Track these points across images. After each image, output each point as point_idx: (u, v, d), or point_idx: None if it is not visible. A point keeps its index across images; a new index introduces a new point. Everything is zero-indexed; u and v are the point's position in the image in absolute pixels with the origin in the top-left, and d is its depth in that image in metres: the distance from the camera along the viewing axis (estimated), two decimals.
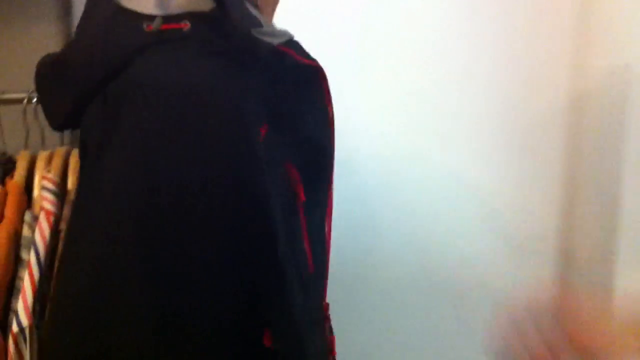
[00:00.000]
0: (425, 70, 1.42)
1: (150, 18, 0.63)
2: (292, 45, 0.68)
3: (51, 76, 0.68)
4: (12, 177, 0.91)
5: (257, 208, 0.63)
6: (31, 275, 0.81)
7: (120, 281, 0.61)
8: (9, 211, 0.87)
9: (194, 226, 0.60)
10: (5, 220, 0.86)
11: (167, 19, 0.63)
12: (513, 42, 1.44)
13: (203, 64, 0.61)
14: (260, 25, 0.62)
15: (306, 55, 0.72)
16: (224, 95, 0.60)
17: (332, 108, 0.78)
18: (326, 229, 0.84)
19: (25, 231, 0.86)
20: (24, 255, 0.84)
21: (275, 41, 0.63)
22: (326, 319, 0.88)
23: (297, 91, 0.72)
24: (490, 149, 1.45)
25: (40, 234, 0.83)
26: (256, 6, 0.68)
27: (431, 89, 1.43)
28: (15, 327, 0.76)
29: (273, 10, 0.77)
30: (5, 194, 0.88)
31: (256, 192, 0.63)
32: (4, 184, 0.90)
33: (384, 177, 1.49)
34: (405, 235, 1.51)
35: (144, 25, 0.62)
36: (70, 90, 0.67)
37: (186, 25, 0.62)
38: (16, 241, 0.85)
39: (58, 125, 0.73)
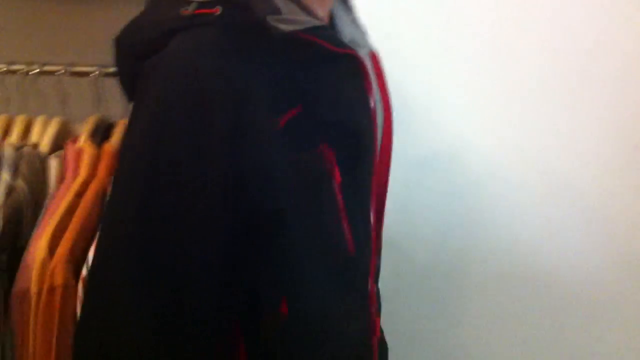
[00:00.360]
0: (530, 66, 1.36)
1: (189, 3, 0.69)
2: (320, 33, 0.70)
3: (116, 52, 0.77)
4: (109, 141, 1.03)
5: (253, 189, 0.66)
6: None
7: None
8: (101, 171, 0.99)
9: (189, 210, 0.64)
10: (96, 179, 0.98)
11: (202, 4, 0.68)
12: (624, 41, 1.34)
13: (220, 47, 0.65)
14: (278, 12, 0.65)
15: (340, 43, 0.74)
16: (228, 78, 0.64)
17: (373, 96, 0.79)
18: (372, 215, 0.85)
19: None
20: None
21: (296, 28, 0.66)
22: (370, 300, 0.89)
23: (329, 77, 0.74)
24: (599, 148, 1.36)
25: None
26: None
27: (540, 85, 1.37)
28: (84, 272, 0.87)
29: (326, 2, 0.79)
30: (100, 156, 1.00)
31: (255, 171, 0.66)
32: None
33: (480, 176, 1.46)
34: (499, 237, 1.47)
35: (181, 10, 0.68)
36: (125, 67, 0.75)
37: (217, 10, 0.67)
38: (103, 198, 0.96)
39: (128, 98, 0.81)
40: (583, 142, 1.36)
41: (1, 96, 1.06)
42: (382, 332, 0.96)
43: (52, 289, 0.85)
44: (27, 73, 1.04)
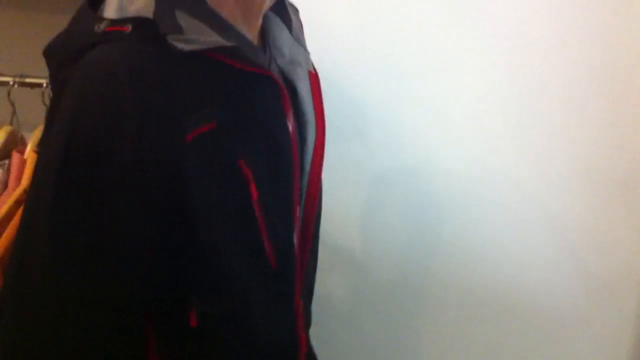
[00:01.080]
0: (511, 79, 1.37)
1: (102, 20, 0.71)
2: (231, 53, 0.72)
3: (46, 63, 0.79)
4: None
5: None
6: None
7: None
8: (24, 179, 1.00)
9: (95, 209, 0.67)
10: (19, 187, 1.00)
11: (113, 22, 0.71)
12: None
13: (129, 61, 0.67)
14: (180, 32, 0.68)
15: (255, 64, 0.76)
16: (133, 90, 0.66)
17: (290, 115, 0.81)
18: (295, 228, 0.87)
19: None
20: None
21: (196, 47, 0.69)
22: (297, 315, 0.90)
23: (245, 96, 0.76)
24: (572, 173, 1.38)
25: None
26: (210, 15, 0.73)
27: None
28: None
29: (250, 19, 0.82)
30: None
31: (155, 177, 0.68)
32: None
33: (440, 193, 1.47)
34: (461, 254, 1.48)
35: (96, 26, 0.71)
36: (51, 77, 0.77)
37: (127, 29, 0.70)
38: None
39: None
40: (551, 160, 1.38)
41: None
42: (310, 347, 0.98)
43: None
44: None
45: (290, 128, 0.82)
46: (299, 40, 0.95)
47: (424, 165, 1.47)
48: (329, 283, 1.54)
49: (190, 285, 0.75)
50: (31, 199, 0.72)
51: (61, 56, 0.72)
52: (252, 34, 0.83)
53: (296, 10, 0.99)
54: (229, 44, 0.71)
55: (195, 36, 0.68)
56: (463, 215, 1.47)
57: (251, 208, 0.78)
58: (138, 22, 0.70)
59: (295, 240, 0.87)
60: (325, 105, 1.25)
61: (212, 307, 0.77)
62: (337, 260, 1.53)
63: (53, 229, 0.68)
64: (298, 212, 0.88)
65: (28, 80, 1.06)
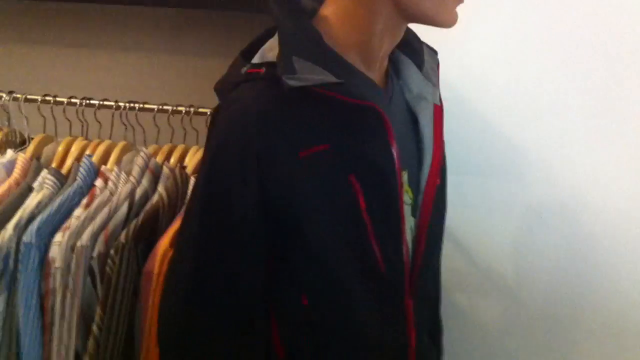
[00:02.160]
0: None
1: (246, 65, 0.94)
2: (337, 88, 0.90)
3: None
4: None
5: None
6: None
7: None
8: None
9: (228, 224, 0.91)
10: None
11: (253, 65, 0.93)
12: None
13: (260, 96, 0.89)
14: (293, 72, 0.87)
15: (361, 97, 0.93)
16: (261, 118, 0.87)
17: (392, 138, 0.96)
18: (403, 237, 1.01)
19: None
20: None
21: (303, 84, 0.87)
22: (406, 313, 1.04)
23: (353, 123, 0.93)
24: None
25: None
26: (324, 56, 0.92)
27: None
28: None
29: (370, 62, 0.99)
30: None
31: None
32: None
33: (593, 228, 1.49)
34: (613, 288, 1.49)
35: (241, 69, 0.94)
36: None
37: (262, 70, 0.92)
38: None
39: None
40: None
41: (167, 129, 1.41)
42: (422, 343, 1.10)
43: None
44: (187, 113, 1.38)
45: (395, 153, 0.96)
46: (429, 77, 1.10)
47: (578, 199, 1.51)
48: (481, 307, 1.63)
49: (302, 279, 0.94)
50: (187, 208, 0.98)
51: (222, 90, 0.97)
52: (374, 74, 1.00)
53: (434, 53, 1.15)
54: (333, 80, 0.89)
55: (305, 75, 0.88)
56: (616, 249, 1.49)
57: (361, 217, 0.95)
58: (269, 65, 0.91)
59: (404, 247, 1.01)
60: (485, 140, 1.39)
61: (320, 299, 0.95)
62: (490, 285, 1.62)
63: (198, 228, 0.93)
64: (406, 224, 1.02)
65: (201, 109, 1.35)
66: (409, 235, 1.04)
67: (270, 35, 0.97)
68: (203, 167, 0.93)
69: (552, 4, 1.43)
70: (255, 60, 0.94)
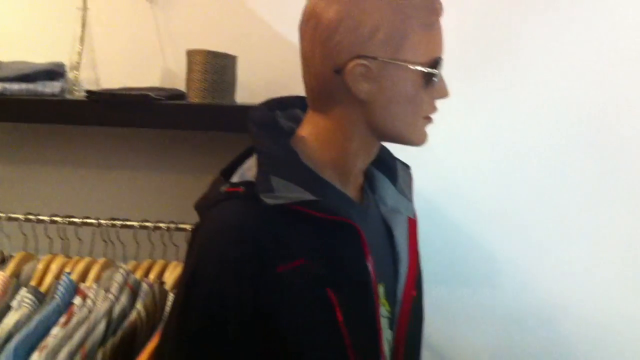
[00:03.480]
0: None
1: (225, 184, 0.98)
2: (314, 205, 0.94)
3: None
4: None
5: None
6: None
7: None
8: None
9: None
10: None
11: (232, 184, 0.97)
12: None
13: (239, 213, 0.93)
14: (271, 191, 0.91)
15: (335, 212, 0.96)
16: (240, 234, 0.90)
17: (368, 252, 0.99)
18: (381, 347, 1.02)
19: None
20: None
21: (279, 202, 0.91)
22: None
23: (329, 238, 0.96)
24: None
25: None
26: (302, 175, 0.96)
27: None
28: None
29: (345, 178, 1.04)
30: None
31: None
32: None
33: None
34: None
35: (221, 188, 0.98)
36: None
37: (241, 189, 0.96)
38: None
39: None
40: None
41: (147, 245, 1.43)
42: None
43: None
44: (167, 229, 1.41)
45: (370, 266, 0.98)
46: (403, 192, 1.15)
47: (555, 304, 1.54)
48: None
49: None
50: (166, 323, 0.99)
51: (201, 208, 1.00)
52: (349, 189, 1.04)
53: (407, 167, 1.20)
54: (310, 198, 0.93)
55: (282, 194, 0.92)
56: (596, 354, 1.50)
57: (338, 329, 0.95)
58: (247, 185, 0.95)
59: (382, 358, 1.01)
60: (461, 250, 1.43)
61: None
62: None
63: (176, 344, 0.93)
64: (383, 336, 1.03)
65: (181, 225, 1.38)
66: (386, 347, 1.05)
67: (250, 154, 1.01)
68: (182, 283, 0.95)
69: (525, 112, 1.50)
70: (235, 179, 0.98)
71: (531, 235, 1.52)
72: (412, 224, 1.14)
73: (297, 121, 1.04)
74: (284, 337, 0.93)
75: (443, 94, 1.00)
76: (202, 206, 1.00)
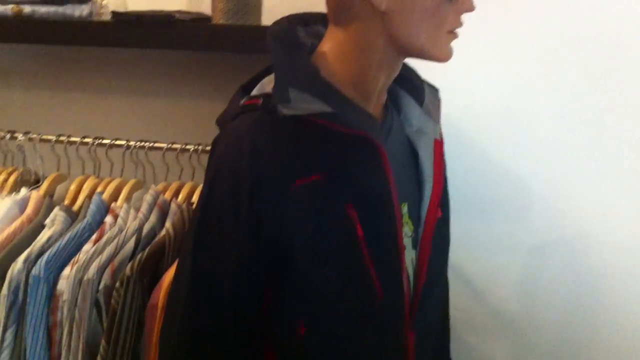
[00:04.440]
0: None
1: (244, 97, 0.98)
2: (332, 117, 0.93)
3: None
4: None
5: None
6: None
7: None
8: None
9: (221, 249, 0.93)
10: None
11: (250, 97, 0.97)
12: None
13: (256, 126, 0.92)
14: (288, 101, 0.90)
15: (355, 126, 0.95)
16: (254, 146, 0.90)
17: (388, 166, 0.98)
18: (403, 267, 1.02)
19: None
20: None
21: (297, 113, 0.90)
22: (406, 343, 1.03)
23: (349, 152, 0.95)
24: None
25: None
26: (320, 88, 0.95)
27: None
28: None
29: (367, 96, 1.02)
30: None
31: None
32: None
33: (601, 265, 1.49)
34: (622, 326, 1.47)
35: (239, 101, 0.98)
36: None
37: (259, 101, 0.95)
38: None
39: None
40: None
41: (176, 167, 1.45)
42: None
43: None
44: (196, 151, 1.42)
45: (391, 183, 0.98)
46: (429, 113, 1.13)
47: (583, 234, 1.51)
48: (491, 347, 1.61)
49: (298, 309, 0.95)
50: (184, 237, 1.02)
51: (221, 122, 1.00)
52: (371, 107, 1.03)
53: (435, 90, 1.17)
54: (328, 110, 0.92)
55: (299, 105, 0.91)
56: (624, 285, 1.48)
57: (358, 246, 0.96)
58: (266, 97, 0.95)
59: (404, 278, 1.02)
60: (488, 179, 1.44)
61: (317, 329, 0.96)
62: (498, 325, 1.61)
63: (192, 257, 0.95)
64: (406, 255, 1.03)
65: (208, 148, 1.38)
66: (410, 268, 1.05)
67: (270, 72, 1.00)
68: (200, 197, 0.96)
69: (555, 37, 1.45)
70: (254, 92, 0.97)
71: (563, 167, 1.48)
72: (438, 145, 1.12)
73: (319, 38, 1.02)
74: (301, 254, 0.93)
75: (468, 7, 0.97)
76: (222, 120, 1.00)
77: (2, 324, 1.20)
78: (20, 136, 1.48)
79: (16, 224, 1.33)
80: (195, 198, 1.40)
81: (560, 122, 1.47)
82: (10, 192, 1.42)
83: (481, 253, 1.57)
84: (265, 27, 1.31)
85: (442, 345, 1.28)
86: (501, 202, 1.53)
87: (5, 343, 1.20)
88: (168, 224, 1.30)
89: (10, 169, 1.47)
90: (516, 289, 1.57)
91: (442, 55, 0.98)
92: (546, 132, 1.48)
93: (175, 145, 1.43)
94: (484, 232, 1.56)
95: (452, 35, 0.98)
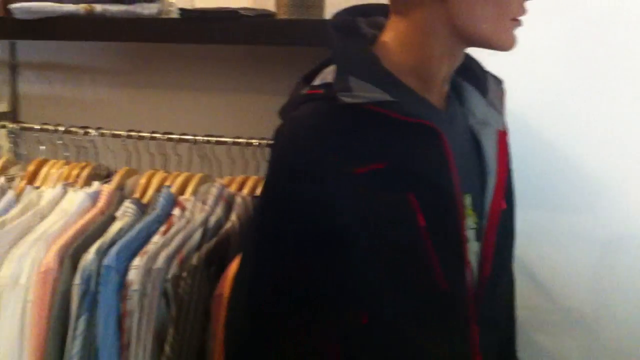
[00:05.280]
0: None
1: (306, 87, 0.98)
2: (393, 106, 0.92)
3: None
4: None
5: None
6: None
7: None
8: None
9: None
10: None
11: (312, 87, 0.97)
12: None
13: (317, 115, 0.93)
14: (348, 90, 0.90)
15: (416, 115, 0.94)
16: (316, 135, 0.91)
17: (451, 156, 0.97)
18: (465, 256, 1.01)
19: None
20: None
21: (357, 101, 0.90)
22: (470, 336, 1.02)
23: (410, 141, 0.95)
24: None
25: None
26: (381, 77, 0.95)
27: None
28: None
29: (429, 85, 1.01)
30: None
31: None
32: None
33: None
34: None
35: (302, 90, 0.98)
36: None
37: (320, 91, 0.96)
38: None
39: None
40: None
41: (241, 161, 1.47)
42: None
43: None
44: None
45: (454, 173, 0.97)
46: (493, 104, 1.11)
47: None
48: (561, 346, 1.57)
49: (361, 298, 0.95)
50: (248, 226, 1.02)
51: (283, 112, 1.01)
52: (433, 97, 1.02)
53: (499, 81, 1.15)
54: (389, 98, 0.92)
55: (360, 93, 0.91)
56: None
57: (420, 236, 0.95)
58: (327, 86, 0.95)
59: (467, 270, 1.00)
60: (555, 171, 1.41)
61: (380, 319, 0.96)
62: (569, 323, 1.56)
63: (255, 244, 0.97)
64: (470, 247, 1.01)
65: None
66: (473, 260, 1.03)
67: (332, 62, 1.01)
68: (263, 185, 0.97)
69: (628, 20, 1.40)
70: (316, 82, 0.98)
71: (630, 154, 1.43)
72: (502, 136, 1.10)
73: (380, 28, 1.02)
74: (361, 243, 0.93)
75: None
76: (284, 110, 1.01)
77: (74, 312, 1.24)
78: (92, 132, 1.53)
79: (89, 216, 1.38)
80: (259, 190, 1.42)
81: (633, 111, 1.42)
82: (83, 185, 1.46)
83: (549, 248, 1.53)
84: (327, 21, 1.33)
85: (507, 342, 1.25)
86: (570, 196, 1.49)
87: (78, 331, 1.24)
88: (233, 216, 1.33)
89: (83, 164, 1.52)
90: (587, 285, 1.53)
91: (505, 43, 0.97)
92: (618, 121, 1.43)
93: (240, 140, 1.45)
94: (551, 226, 1.52)
95: (516, 22, 0.96)
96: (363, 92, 0.91)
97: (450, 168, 0.96)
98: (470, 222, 1.04)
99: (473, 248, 1.03)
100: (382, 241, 0.94)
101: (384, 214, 0.94)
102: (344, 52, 0.96)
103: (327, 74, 0.98)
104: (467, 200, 1.03)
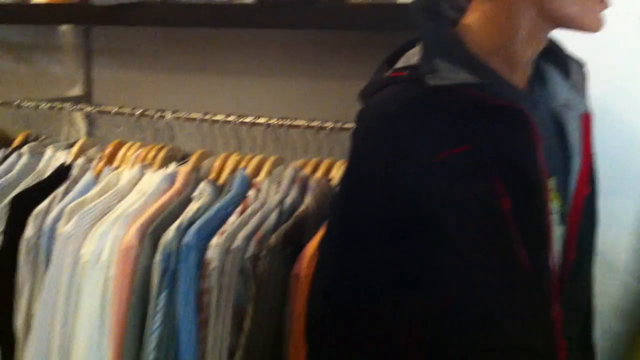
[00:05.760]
0: None
1: (389, 70, 0.99)
2: (481, 88, 0.92)
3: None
4: None
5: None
6: None
7: None
8: None
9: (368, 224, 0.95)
10: None
11: (396, 69, 0.97)
12: None
13: (402, 98, 0.93)
14: (435, 71, 0.90)
15: (505, 98, 0.93)
16: (396, 122, 0.91)
17: (539, 140, 0.96)
18: (549, 239, 1.00)
19: None
20: None
21: (444, 82, 0.89)
22: (554, 319, 1.01)
23: (497, 125, 0.94)
24: None
25: None
26: (467, 60, 0.94)
27: None
28: None
29: (513, 68, 0.99)
30: None
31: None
32: None
33: None
34: None
35: (385, 73, 0.99)
36: None
37: (404, 73, 0.96)
38: None
39: None
40: None
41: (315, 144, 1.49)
42: (573, 356, 1.06)
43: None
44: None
45: (541, 157, 0.96)
46: (576, 87, 1.09)
47: None
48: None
49: (446, 279, 0.96)
50: (330, 209, 1.06)
51: (364, 95, 1.02)
52: (517, 80, 1.01)
53: (581, 65, 1.13)
54: (477, 80, 0.91)
55: (447, 74, 0.91)
56: None
57: (504, 218, 0.95)
58: (412, 68, 0.95)
59: (551, 252, 0.99)
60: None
61: (464, 296, 0.96)
62: None
63: (338, 228, 0.99)
64: (553, 230, 1.00)
65: (345, 126, 1.42)
66: (557, 244, 1.02)
67: (414, 45, 1.01)
68: (345, 169, 0.98)
69: None
70: (399, 64, 0.98)
71: None
72: (586, 119, 1.08)
73: (461, 11, 1.01)
74: (446, 226, 0.93)
75: None
76: (365, 93, 1.02)
77: (155, 289, 1.28)
78: (168, 115, 1.57)
79: (166, 196, 1.41)
80: (333, 174, 1.43)
81: None
82: (160, 167, 1.50)
83: (627, 236, 1.50)
84: (400, 5, 1.33)
85: (585, 329, 1.24)
86: None
87: (159, 307, 1.27)
88: (307, 199, 1.34)
89: (159, 146, 1.55)
90: None
91: (593, 25, 0.95)
92: None
93: (313, 123, 1.46)
94: (629, 214, 1.49)
95: (603, 4, 0.94)
96: (450, 74, 0.90)
97: (537, 151, 0.95)
98: (554, 205, 1.03)
99: (557, 231, 1.02)
100: (468, 224, 0.94)
101: (469, 198, 0.94)
102: (430, 33, 0.96)
103: (411, 56, 0.98)
104: (552, 183, 1.02)
